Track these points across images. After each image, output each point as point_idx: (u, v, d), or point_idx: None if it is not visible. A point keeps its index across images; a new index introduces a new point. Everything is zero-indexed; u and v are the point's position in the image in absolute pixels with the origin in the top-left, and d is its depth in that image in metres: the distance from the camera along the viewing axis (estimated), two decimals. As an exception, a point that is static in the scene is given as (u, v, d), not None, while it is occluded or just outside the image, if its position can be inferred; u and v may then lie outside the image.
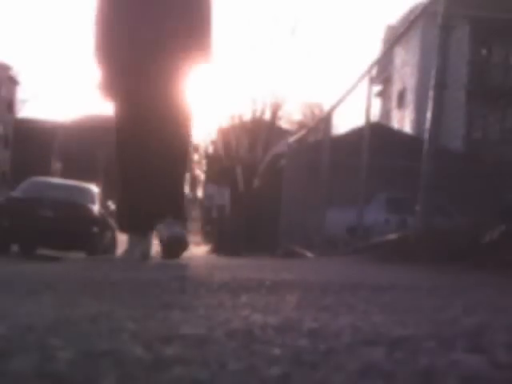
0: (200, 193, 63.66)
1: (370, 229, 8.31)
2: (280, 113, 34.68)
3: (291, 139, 12.85)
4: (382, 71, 30.90)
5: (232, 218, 28.65)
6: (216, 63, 4.38)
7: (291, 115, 38.73)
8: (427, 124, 4.92)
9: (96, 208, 12.94)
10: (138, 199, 4.10)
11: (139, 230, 4.18)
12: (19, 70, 68.65)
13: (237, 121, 32.89)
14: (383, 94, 37.07)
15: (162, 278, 2.74)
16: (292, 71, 43.91)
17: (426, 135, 4.93)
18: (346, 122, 13.09)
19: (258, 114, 33.00)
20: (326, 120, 9.55)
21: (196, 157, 53.33)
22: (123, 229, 4.35)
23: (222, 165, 32.09)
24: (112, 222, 15.09)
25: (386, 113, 35.05)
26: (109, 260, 4.55)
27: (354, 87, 7.97)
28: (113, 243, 14.62)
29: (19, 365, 0.86)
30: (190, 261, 5.07)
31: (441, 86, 4.88)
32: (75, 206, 12.44)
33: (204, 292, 2.08)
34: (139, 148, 4.08)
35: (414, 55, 27.63)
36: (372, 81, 7.61)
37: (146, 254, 4.16)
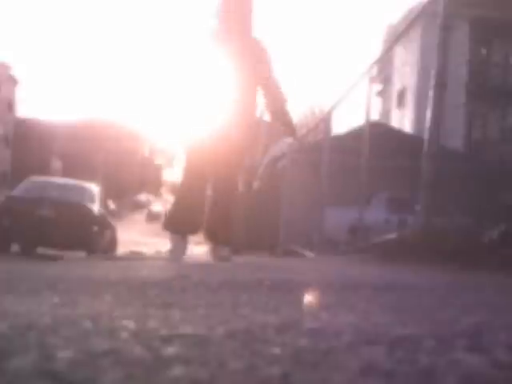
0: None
1: (370, 229, 8.31)
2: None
3: (291, 139, 12.83)
4: (382, 71, 30.89)
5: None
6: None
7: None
8: (427, 123, 4.92)
9: (96, 207, 12.92)
10: (189, 212, 5.09)
11: (183, 234, 5.17)
12: (19, 70, 68.68)
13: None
14: (383, 94, 37.05)
15: (162, 278, 2.74)
16: (292, 71, 43.86)
17: (426, 135, 4.93)
18: (346, 121, 13.07)
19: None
20: (325, 120, 9.55)
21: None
22: (169, 229, 5.21)
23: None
24: (112, 221, 15.09)
25: (385, 112, 35.03)
26: (156, 257, 5.31)
27: (353, 87, 7.96)
28: (113, 242, 14.60)
29: (19, 364, 0.86)
30: (190, 260, 5.08)
31: (441, 86, 4.87)
32: (75, 205, 12.42)
33: (204, 291, 2.08)
34: (202, 182, 5.12)
35: (414, 55, 27.61)
36: (372, 80, 7.60)
37: (185, 252, 5.20)
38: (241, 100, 5.07)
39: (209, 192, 5.35)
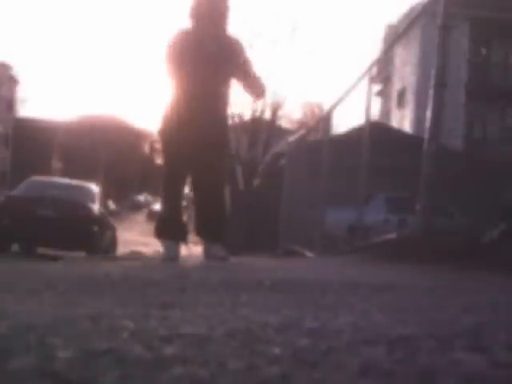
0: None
1: (370, 228, 8.30)
2: (280, 112, 34.66)
3: (291, 138, 12.84)
4: (382, 70, 30.88)
5: (232, 217, 28.57)
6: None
7: (291, 114, 38.67)
8: (427, 123, 4.92)
9: (96, 207, 12.91)
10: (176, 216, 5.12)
11: (175, 239, 5.07)
12: (19, 69, 68.66)
13: (237, 120, 32.83)
14: (383, 94, 37.05)
15: (162, 278, 2.74)
16: (292, 71, 43.86)
17: (426, 134, 4.93)
18: (345, 121, 13.08)
19: (257, 113, 32.97)
20: (325, 119, 9.55)
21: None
22: (161, 237, 5.13)
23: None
24: (112, 221, 15.09)
25: (385, 112, 35.04)
26: (156, 257, 5.12)
27: (353, 87, 7.96)
28: (113, 242, 14.60)
29: (19, 363, 0.86)
30: (189, 260, 5.07)
31: (441, 86, 4.87)
32: (75, 205, 12.41)
33: (204, 291, 2.09)
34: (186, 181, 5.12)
35: (414, 54, 27.61)
36: (372, 80, 7.60)
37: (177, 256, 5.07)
38: (217, 95, 5.11)
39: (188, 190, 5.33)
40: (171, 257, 4.96)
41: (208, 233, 5.09)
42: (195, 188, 5.20)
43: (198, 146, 4.96)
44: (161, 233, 5.14)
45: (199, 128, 4.94)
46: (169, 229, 5.07)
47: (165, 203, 5.22)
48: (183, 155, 5.01)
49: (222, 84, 5.14)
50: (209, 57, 5.09)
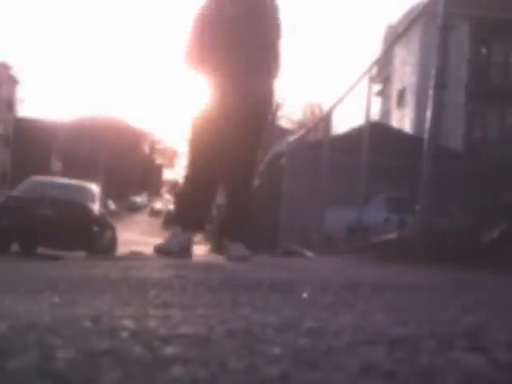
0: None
1: (370, 228, 8.30)
2: (280, 112, 34.69)
3: (291, 138, 12.84)
4: (382, 70, 30.87)
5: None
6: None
7: (291, 115, 38.72)
8: (427, 123, 4.92)
9: (96, 207, 12.92)
10: (198, 204, 4.81)
11: (188, 228, 4.81)
12: (19, 69, 68.72)
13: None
14: (383, 94, 37.04)
15: (162, 278, 2.74)
16: (292, 71, 43.94)
17: (426, 135, 4.93)
18: (345, 121, 13.06)
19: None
20: (325, 119, 9.55)
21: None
22: (175, 223, 4.88)
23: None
24: (112, 221, 15.08)
25: (385, 112, 35.03)
26: (156, 257, 4.83)
27: (353, 87, 7.96)
28: (113, 242, 14.61)
29: (19, 364, 0.86)
30: (189, 260, 5.06)
31: (441, 86, 4.87)
32: (75, 205, 12.42)
33: (204, 291, 2.08)
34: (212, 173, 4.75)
35: (414, 54, 27.60)
36: (372, 80, 7.60)
37: (186, 248, 4.79)
38: (251, 76, 4.68)
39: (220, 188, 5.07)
40: (169, 250, 4.65)
41: (231, 231, 4.85)
42: (225, 186, 4.95)
43: (231, 138, 4.66)
44: (175, 220, 4.94)
45: (232, 118, 4.62)
46: (183, 215, 4.83)
47: (182, 193, 5.01)
48: (215, 149, 4.69)
49: (256, 61, 4.68)
50: (235, 23, 4.62)
